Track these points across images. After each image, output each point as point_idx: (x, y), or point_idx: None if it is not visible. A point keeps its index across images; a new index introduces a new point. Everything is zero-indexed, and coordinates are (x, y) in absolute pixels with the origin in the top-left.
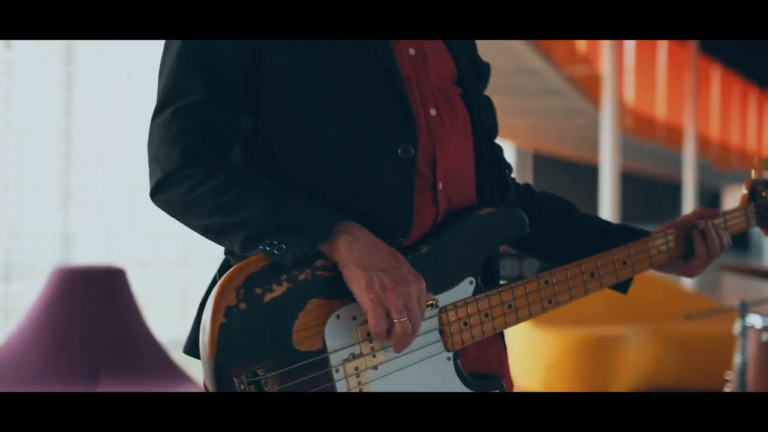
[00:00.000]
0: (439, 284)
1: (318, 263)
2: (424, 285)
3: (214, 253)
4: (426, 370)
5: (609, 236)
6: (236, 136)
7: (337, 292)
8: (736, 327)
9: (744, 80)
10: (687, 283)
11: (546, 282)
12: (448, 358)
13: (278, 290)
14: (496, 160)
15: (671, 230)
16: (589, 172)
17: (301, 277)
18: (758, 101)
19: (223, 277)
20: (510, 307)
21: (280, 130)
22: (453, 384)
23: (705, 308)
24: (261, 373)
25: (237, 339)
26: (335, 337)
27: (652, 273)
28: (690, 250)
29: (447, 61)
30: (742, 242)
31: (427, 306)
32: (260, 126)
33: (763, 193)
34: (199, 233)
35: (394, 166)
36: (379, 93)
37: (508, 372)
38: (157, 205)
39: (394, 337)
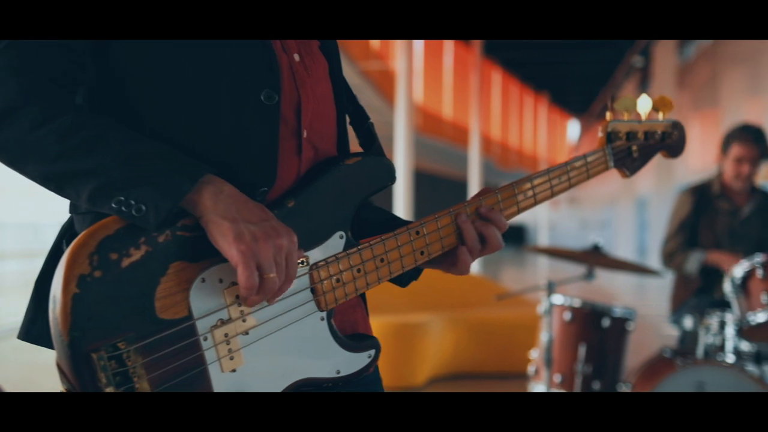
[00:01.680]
0: (308, 240)
1: (179, 223)
2: (295, 238)
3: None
4: (299, 332)
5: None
6: (83, 77)
7: (201, 254)
8: (543, 306)
9: (522, 83)
10: (474, 269)
11: (417, 233)
12: (322, 318)
13: (136, 254)
14: (357, 110)
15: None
16: None
17: (161, 239)
18: (534, 104)
19: (72, 243)
20: (382, 260)
21: (133, 72)
22: (328, 345)
23: (503, 295)
24: (122, 347)
25: (93, 310)
26: (201, 303)
27: None
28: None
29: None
30: (516, 235)
31: (297, 263)
32: (112, 67)
33: (620, 134)
34: (37, 182)
35: (257, 112)
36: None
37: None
38: None
39: (266, 292)
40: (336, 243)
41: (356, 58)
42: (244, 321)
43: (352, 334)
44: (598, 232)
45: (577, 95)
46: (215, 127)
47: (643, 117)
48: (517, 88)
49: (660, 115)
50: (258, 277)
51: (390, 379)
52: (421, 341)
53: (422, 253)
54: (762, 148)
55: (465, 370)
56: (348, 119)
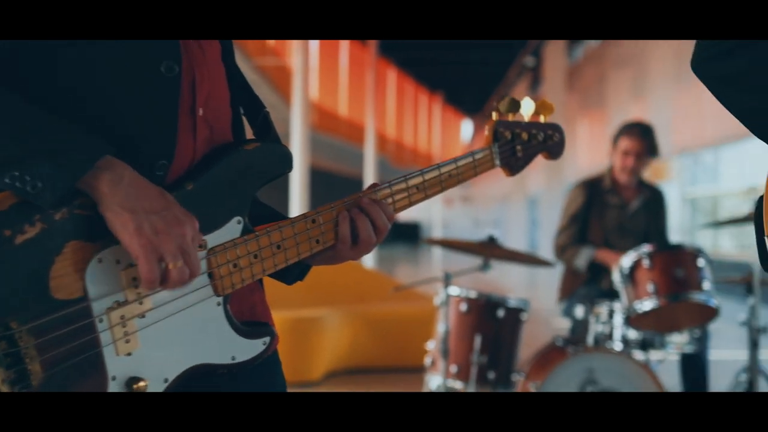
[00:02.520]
0: (206, 224)
1: (76, 201)
2: (197, 224)
3: None
4: (195, 317)
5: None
6: None
7: (99, 234)
8: (439, 297)
9: (417, 82)
10: (369, 265)
11: (313, 221)
12: (218, 303)
13: (31, 232)
14: (252, 99)
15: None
16: None
17: (57, 216)
18: (429, 103)
19: None
20: (279, 247)
21: (30, 41)
22: (224, 331)
23: (400, 287)
24: (13, 327)
25: None
26: (97, 284)
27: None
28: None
29: None
30: (411, 233)
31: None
32: None
33: (505, 134)
34: None
35: (157, 83)
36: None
37: (272, 321)
38: None
39: (171, 284)
40: (233, 228)
41: (252, 54)
42: (140, 304)
43: (249, 321)
44: (492, 230)
45: (470, 95)
46: (114, 98)
47: (526, 119)
48: (412, 88)
49: (542, 118)
50: (160, 269)
51: (286, 375)
52: (318, 336)
53: (318, 241)
54: (649, 144)
55: (362, 365)
56: (243, 108)
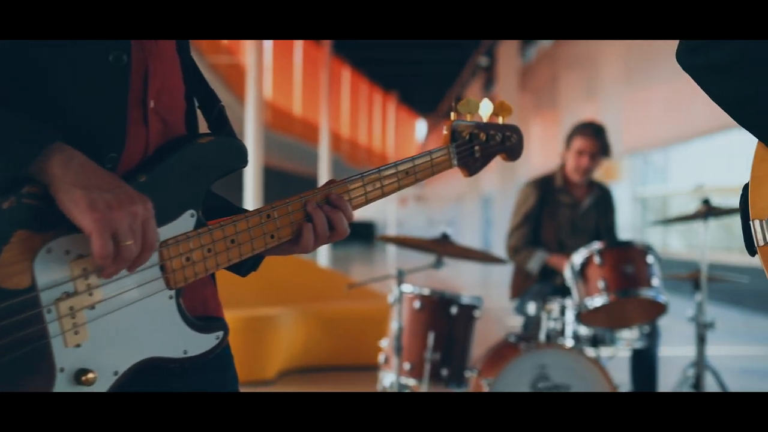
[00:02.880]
0: (158, 217)
1: (24, 190)
2: (151, 205)
3: None
4: (147, 310)
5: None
6: None
7: (48, 223)
8: (393, 294)
9: (371, 82)
10: (324, 263)
11: (268, 216)
12: (170, 297)
13: None
14: (207, 92)
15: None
16: None
17: (5, 205)
18: (383, 102)
19: None
20: (233, 242)
21: None
22: (176, 325)
23: (354, 284)
24: None
25: None
26: (46, 274)
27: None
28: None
29: None
30: (365, 231)
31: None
32: None
33: (464, 134)
34: None
35: (106, 74)
36: None
37: (223, 315)
38: None
39: (123, 261)
40: (187, 221)
41: (205, 52)
42: (90, 295)
43: (201, 316)
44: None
45: (424, 95)
46: (62, 88)
47: (485, 120)
48: (366, 87)
49: (500, 119)
50: (113, 246)
51: (240, 374)
52: (272, 335)
53: (272, 236)
54: (602, 144)
55: (316, 363)
56: (198, 101)
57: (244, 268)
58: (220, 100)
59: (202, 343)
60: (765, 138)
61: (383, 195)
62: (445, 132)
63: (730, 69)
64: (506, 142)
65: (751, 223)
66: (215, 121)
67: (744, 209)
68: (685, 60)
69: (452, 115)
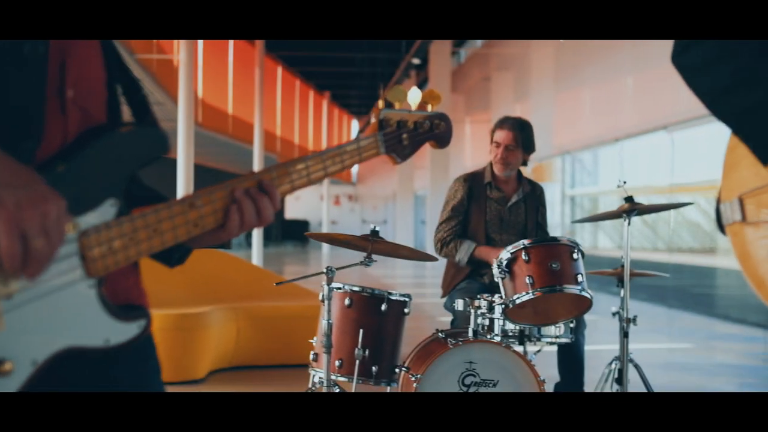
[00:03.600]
0: (78, 206)
1: None
2: (64, 204)
3: None
4: (67, 299)
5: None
6: None
7: None
8: (323, 292)
9: (304, 82)
10: (256, 262)
11: (191, 205)
12: (91, 286)
13: None
14: (130, 80)
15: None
16: (165, 163)
17: None
18: (317, 102)
19: None
20: (155, 230)
21: None
22: (97, 314)
23: (282, 281)
24: None
25: None
26: None
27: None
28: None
29: None
30: (299, 230)
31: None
32: None
33: (391, 122)
34: None
35: (21, 64)
36: None
37: (148, 304)
38: None
39: (31, 262)
40: (108, 210)
41: (136, 49)
42: (5, 285)
43: (123, 305)
44: (381, 228)
45: (357, 95)
46: None
47: (413, 108)
48: (299, 87)
49: (429, 107)
50: (22, 247)
51: (170, 373)
52: (202, 333)
53: (196, 225)
54: (521, 136)
55: (248, 362)
56: (121, 90)
57: (173, 259)
58: (143, 87)
59: (124, 331)
60: (743, 134)
61: (310, 182)
62: (372, 120)
63: (708, 66)
64: (435, 130)
65: (720, 205)
66: (138, 110)
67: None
68: (677, 61)
69: (380, 103)
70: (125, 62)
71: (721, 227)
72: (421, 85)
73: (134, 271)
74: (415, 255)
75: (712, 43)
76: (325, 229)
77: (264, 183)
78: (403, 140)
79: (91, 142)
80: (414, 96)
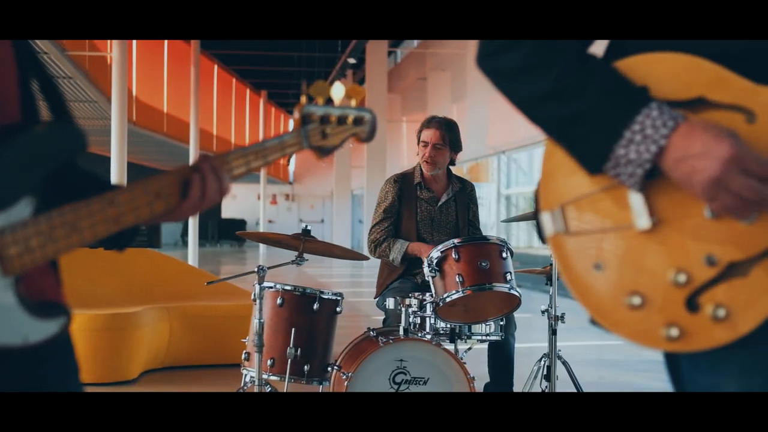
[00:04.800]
0: None
1: None
2: None
3: None
4: None
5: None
6: None
7: None
8: (254, 291)
9: (240, 80)
10: (191, 262)
11: (111, 202)
12: (7, 285)
13: None
14: (46, 77)
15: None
16: (99, 161)
17: None
18: (252, 101)
19: None
20: (74, 228)
21: None
22: (15, 313)
23: (213, 280)
24: None
25: None
26: None
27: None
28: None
29: None
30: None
31: None
32: None
33: (313, 117)
34: None
35: None
36: None
37: (66, 302)
38: None
39: None
40: (23, 209)
41: (68, 46)
42: None
43: (42, 302)
44: (318, 228)
45: (294, 94)
46: None
47: (337, 103)
48: (236, 85)
49: (353, 102)
50: None
51: (101, 374)
52: (134, 333)
53: (116, 222)
54: (448, 136)
55: (180, 362)
56: (37, 88)
57: (122, 241)
58: (58, 86)
59: (43, 329)
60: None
61: (233, 178)
62: (296, 115)
63: (528, 69)
64: (358, 124)
65: (540, 214)
66: (54, 108)
67: (537, 203)
68: (485, 64)
69: (302, 98)
70: (40, 60)
71: (542, 238)
72: (358, 84)
73: (52, 269)
74: (348, 254)
75: (530, 47)
76: (262, 229)
77: (215, 163)
78: (327, 135)
79: (6, 142)
80: (338, 91)
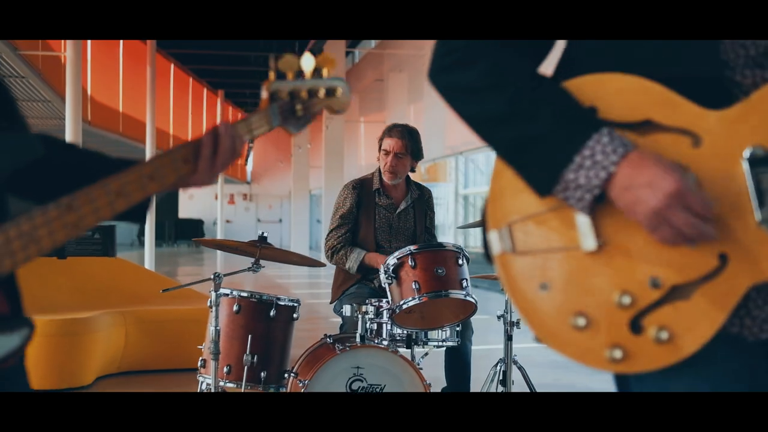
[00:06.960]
0: None
1: None
2: None
3: None
4: None
5: (109, 164)
6: None
7: None
8: (210, 298)
9: (196, 80)
10: (148, 265)
11: (69, 207)
12: None
13: None
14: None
15: (189, 143)
16: None
17: None
18: (209, 100)
19: None
20: (31, 239)
21: None
22: None
23: (169, 288)
24: None
25: None
26: None
27: (121, 255)
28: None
29: None
30: (194, 230)
31: None
32: None
33: (281, 94)
34: None
35: None
36: None
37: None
38: None
39: None
40: None
41: (20, 45)
42: None
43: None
44: (276, 227)
45: (252, 93)
46: None
47: (307, 76)
48: (192, 84)
49: (325, 72)
50: None
51: (55, 380)
52: (89, 338)
53: (76, 226)
54: (410, 144)
55: (136, 367)
56: None
57: (137, 215)
58: (11, 92)
59: (5, 343)
60: (514, 159)
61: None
62: (263, 94)
63: (481, 89)
64: (330, 96)
65: (487, 234)
66: (6, 116)
67: (484, 222)
68: (437, 79)
69: (270, 75)
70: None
71: (488, 257)
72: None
73: (5, 283)
74: (305, 261)
75: (483, 67)
76: (219, 228)
77: (221, 129)
78: (297, 111)
79: None
80: (307, 63)
